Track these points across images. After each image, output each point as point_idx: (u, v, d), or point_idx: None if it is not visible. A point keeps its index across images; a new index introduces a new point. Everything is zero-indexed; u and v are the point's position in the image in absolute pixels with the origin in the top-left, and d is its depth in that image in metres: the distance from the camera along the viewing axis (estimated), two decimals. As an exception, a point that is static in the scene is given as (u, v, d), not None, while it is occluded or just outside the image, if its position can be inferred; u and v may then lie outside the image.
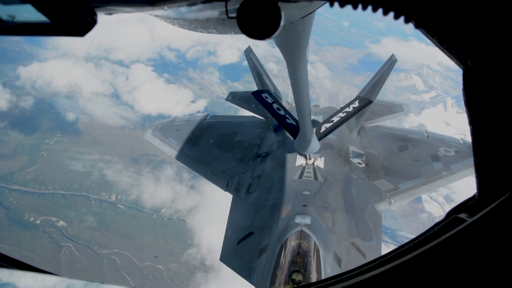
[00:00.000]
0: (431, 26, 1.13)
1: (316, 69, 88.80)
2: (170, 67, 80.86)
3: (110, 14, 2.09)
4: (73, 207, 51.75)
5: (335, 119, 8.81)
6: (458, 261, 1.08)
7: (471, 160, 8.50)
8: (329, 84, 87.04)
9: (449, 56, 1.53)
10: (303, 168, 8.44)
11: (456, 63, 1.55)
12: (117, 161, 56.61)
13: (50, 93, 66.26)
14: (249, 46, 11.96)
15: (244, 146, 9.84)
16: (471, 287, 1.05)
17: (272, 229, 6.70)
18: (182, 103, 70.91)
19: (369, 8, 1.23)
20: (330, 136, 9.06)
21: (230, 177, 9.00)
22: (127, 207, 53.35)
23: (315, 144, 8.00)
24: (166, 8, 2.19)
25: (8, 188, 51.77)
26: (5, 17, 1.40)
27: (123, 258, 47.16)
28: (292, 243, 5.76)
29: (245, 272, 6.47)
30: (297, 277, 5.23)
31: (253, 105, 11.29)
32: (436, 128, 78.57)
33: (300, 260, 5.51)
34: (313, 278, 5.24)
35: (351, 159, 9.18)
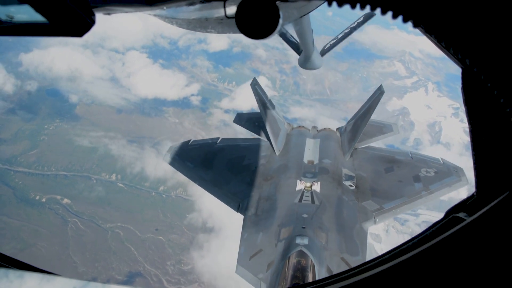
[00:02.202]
0: (429, 26, 1.13)
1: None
2: (164, 54, 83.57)
3: (108, 14, 2.12)
4: (75, 186, 54.70)
5: (340, 35, 9.56)
6: (457, 260, 1.08)
7: (448, 180, 9.64)
8: (315, 70, 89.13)
9: (447, 55, 1.55)
10: (302, 193, 9.10)
11: (455, 62, 1.56)
12: (121, 137, 59.68)
13: (52, 78, 68.90)
14: (254, 78, 12.55)
15: (251, 170, 10.47)
16: (470, 286, 1.04)
17: (277, 247, 7.65)
18: (176, 87, 74.08)
19: (367, 7, 1.24)
20: (325, 160, 10.25)
21: (240, 199, 9.57)
22: (127, 185, 56.55)
23: (318, 60, 8.53)
24: (164, 8, 2.19)
25: (12, 170, 54.46)
26: (3, 17, 1.39)
27: (126, 231, 50.42)
28: (293, 260, 6.82)
29: (256, 283, 7.49)
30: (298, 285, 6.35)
31: (259, 128, 12.01)
32: (418, 111, 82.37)
33: (300, 274, 6.57)
34: None
35: (343, 182, 9.81)
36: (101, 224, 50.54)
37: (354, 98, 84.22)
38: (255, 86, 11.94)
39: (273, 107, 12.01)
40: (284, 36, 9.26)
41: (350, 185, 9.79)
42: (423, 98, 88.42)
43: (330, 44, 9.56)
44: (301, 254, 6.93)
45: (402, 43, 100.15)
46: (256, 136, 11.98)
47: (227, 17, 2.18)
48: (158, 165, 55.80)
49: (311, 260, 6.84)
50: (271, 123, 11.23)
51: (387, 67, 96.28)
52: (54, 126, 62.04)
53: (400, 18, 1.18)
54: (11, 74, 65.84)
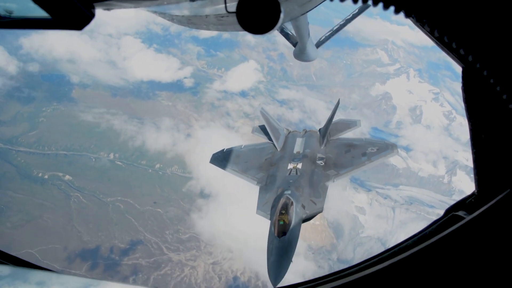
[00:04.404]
0: (431, 21, 1.13)
1: (288, 43, 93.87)
2: (157, 39, 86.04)
3: (108, 9, 2.21)
4: (75, 164, 57.66)
5: (336, 27, 12.42)
6: (456, 259, 1.08)
7: (384, 153, 13.80)
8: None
9: (448, 53, 1.56)
10: (291, 170, 13.78)
11: (455, 60, 1.55)
12: (122, 114, 62.59)
13: (53, 60, 71.04)
14: (262, 108, 17.68)
15: (263, 162, 15.19)
16: (469, 284, 1.04)
17: (276, 197, 12.23)
18: (170, 70, 77.31)
19: (370, 2, 1.25)
20: (307, 150, 14.78)
21: (258, 178, 14.31)
22: (124, 163, 59.80)
23: (313, 52, 9.97)
24: (165, 3, 2.25)
25: (14, 149, 57.04)
26: (3, 11, 1.41)
27: (126, 204, 53.81)
28: (283, 200, 11.57)
29: (267, 216, 12.04)
30: (284, 211, 11.17)
31: (268, 136, 16.74)
32: (399, 96, 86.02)
33: (285, 207, 11.28)
34: (292, 214, 11.12)
35: (317, 161, 14.27)
36: (102, 198, 53.71)
37: (338, 84, 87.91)
38: (263, 111, 17.42)
39: (275, 122, 17.54)
40: (280, 28, 10.95)
41: (321, 163, 14.20)
42: (404, 83, 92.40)
43: (326, 36, 12.05)
44: (287, 198, 11.70)
45: (385, 32, 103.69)
46: (265, 140, 16.91)
47: (228, 12, 2.25)
48: (157, 139, 59.11)
49: (291, 200, 11.62)
50: (274, 132, 16.29)
51: (370, 55, 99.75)
52: (51, 109, 64.40)
53: (402, 13, 1.21)
54: (13, 56, 67.92)
